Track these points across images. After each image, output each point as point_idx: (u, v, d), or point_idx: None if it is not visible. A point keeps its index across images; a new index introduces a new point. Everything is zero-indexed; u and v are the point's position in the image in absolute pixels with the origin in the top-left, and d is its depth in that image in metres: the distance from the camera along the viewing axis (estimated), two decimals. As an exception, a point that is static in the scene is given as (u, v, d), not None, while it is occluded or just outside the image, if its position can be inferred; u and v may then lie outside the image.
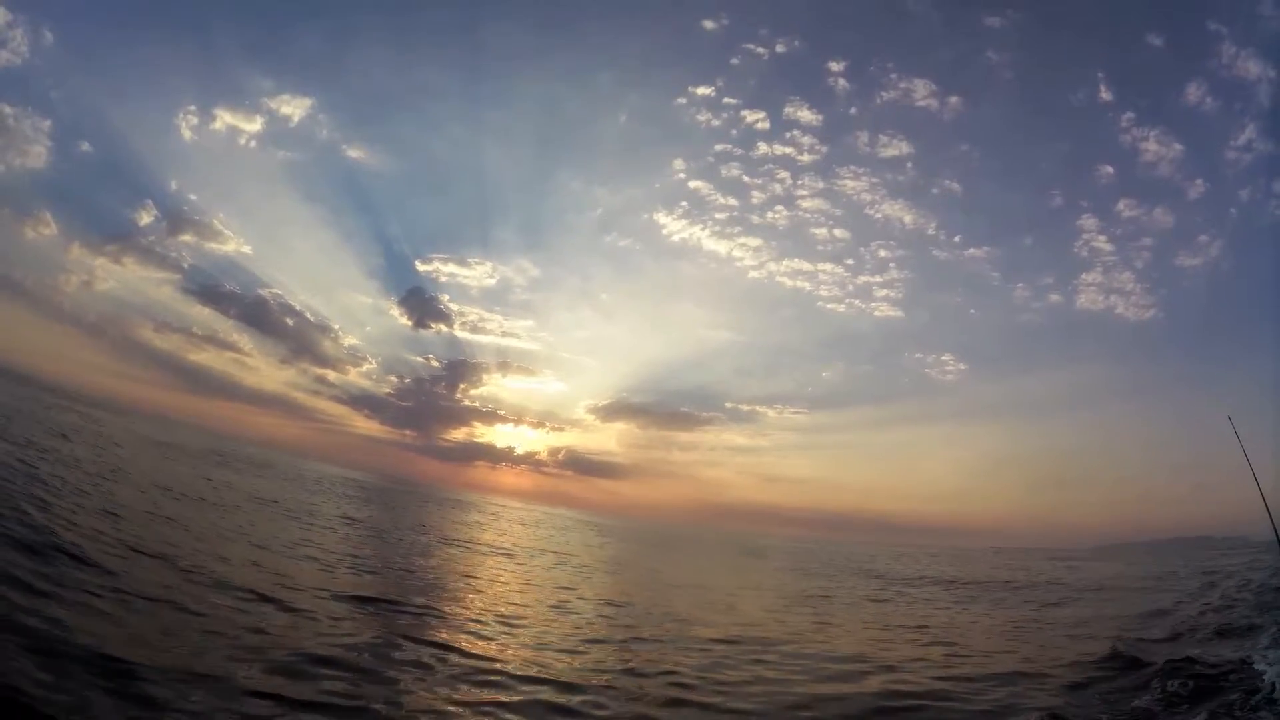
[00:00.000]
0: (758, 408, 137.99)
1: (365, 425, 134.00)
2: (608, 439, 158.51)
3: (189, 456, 37.88)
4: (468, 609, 12.44)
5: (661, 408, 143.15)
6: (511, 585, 16.87)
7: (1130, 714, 8.07)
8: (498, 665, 8.63)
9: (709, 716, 7.86)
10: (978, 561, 46.22)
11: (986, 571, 35.47)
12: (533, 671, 8.59)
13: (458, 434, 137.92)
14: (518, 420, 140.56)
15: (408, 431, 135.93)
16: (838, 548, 70.02)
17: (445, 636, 9.70)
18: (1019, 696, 9.09)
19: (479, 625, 10.97)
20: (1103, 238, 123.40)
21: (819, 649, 12.21)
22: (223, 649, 7.32)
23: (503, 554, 24.49)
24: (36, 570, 8.18)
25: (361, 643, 8.57)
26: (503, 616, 11.96)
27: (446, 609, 11.88)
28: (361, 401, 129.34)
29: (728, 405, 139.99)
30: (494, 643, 9.93)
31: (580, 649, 10.36)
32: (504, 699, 7.42)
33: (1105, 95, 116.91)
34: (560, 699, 7.66)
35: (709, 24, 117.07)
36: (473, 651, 9.13)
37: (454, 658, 8.71)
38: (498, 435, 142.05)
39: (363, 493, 51.42)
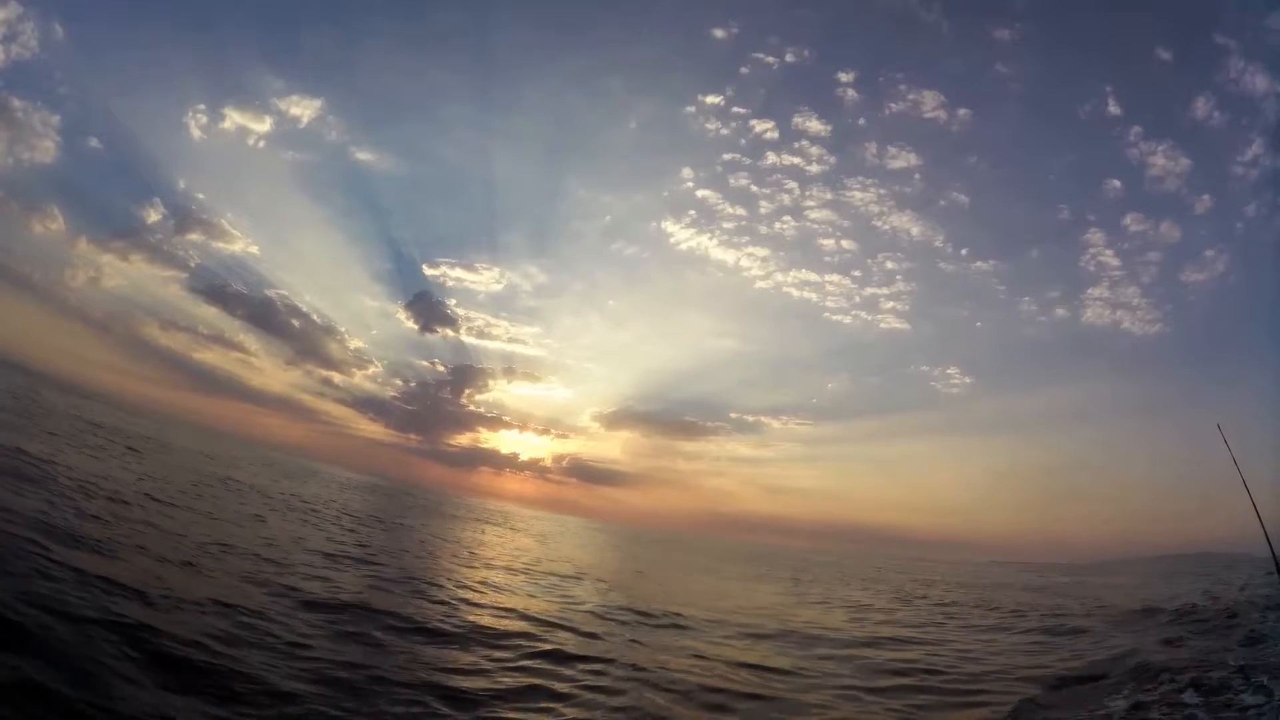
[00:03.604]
0: (763, 418, 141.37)
1: (369, 428, 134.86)
2: (612, 447, 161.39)
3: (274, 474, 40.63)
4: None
5: (666, 416, 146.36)
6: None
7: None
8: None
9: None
10: (994, 575, 51.68)
11: (1021, 582, 40.90)
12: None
13: (462, 439, 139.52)
14: (522, 426, 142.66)
15: (412, 435, 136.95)
16: (858, 561, 75.34)
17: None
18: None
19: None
20: (1110, 251, 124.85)
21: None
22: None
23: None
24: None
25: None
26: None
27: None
28: (366, 404, 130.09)
29: (733, 415, 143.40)
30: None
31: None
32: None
33: (1113, 109, 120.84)
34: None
35: (719, 32, 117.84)
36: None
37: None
38: (502, 441, 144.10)
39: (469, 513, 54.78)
